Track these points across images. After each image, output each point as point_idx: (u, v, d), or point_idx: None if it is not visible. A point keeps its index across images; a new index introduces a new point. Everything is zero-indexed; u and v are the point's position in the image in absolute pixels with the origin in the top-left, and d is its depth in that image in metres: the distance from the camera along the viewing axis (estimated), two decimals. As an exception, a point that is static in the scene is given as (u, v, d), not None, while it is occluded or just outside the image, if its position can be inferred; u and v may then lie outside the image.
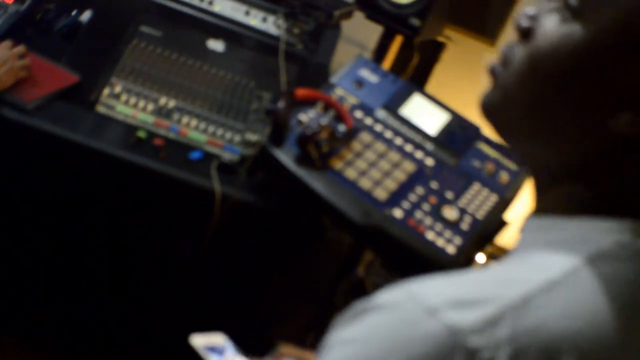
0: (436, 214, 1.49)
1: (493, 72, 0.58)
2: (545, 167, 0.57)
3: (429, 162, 1.59)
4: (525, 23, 0.55)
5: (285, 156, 1.52)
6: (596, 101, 0.51)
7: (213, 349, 1.07)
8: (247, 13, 1.97)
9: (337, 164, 1.53)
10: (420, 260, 1.44)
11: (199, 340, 1.09)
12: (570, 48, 0.51)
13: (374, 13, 1.88)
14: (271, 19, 1.97)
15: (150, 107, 1.74)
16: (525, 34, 0.55)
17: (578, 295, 0.49)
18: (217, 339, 1.10)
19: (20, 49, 1.68)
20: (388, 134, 1.62)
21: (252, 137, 1.75)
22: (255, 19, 1.97)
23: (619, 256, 0.50)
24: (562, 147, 0.54)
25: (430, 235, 1.45)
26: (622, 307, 0.49)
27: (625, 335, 0.49)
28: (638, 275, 0.50)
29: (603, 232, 0.52)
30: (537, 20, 0.55)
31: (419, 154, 1.60)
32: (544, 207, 0.58)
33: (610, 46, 0.49)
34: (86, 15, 1.86)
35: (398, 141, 1.61)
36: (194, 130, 1.73)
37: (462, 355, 0.45)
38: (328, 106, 1.62)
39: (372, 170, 1.54)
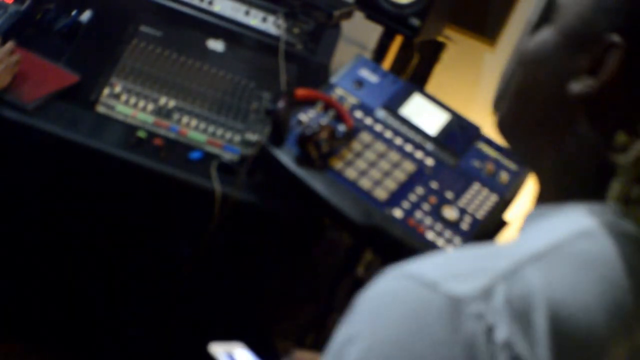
0: (436, 214, 1.49)
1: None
2: (539, 160, 0.64)
3: (429, 162, 1.59)
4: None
5: (285, 156, 1.52)
6: (560, 72, 0.60)
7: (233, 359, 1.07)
8: (247, 13, 1.97)
9: (337, 164, 1.53)
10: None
11: (217, 349, 1.08)
12: (542, 38, 0.63)
13: (374, 13, 1.88)
14: (271, 19, 1.97)
15: (150, 107, 1.74)
16: None
17: (559, 270, 0.52)
18: (237, 348, 1.10)
19: (10, 45, 1.68)
20: (388, 134, 1.62)
21: (252, 137, 1.75)
22: (255, 19, 1.97)
23: (601, 234, 0.55)
24: (546, 134, 0.62)
25: (430, 235, 1.45)
26: (599, 280, 0.53)
27: (601, 306, 0.52)
28: (618, 252, 0.54)
29: (588, 215, 0.56)
30: None
31: (419, 154, 1.60)
32: (541, 199, 0.64)
33: (571, 35, 0.60)
34: (86, 15, 1.86)
35: (398, 141, 1.61)
36: (194, 130, 1.73)
37: (470, 321, 0.48)
38: (328, 106, 1.63)
39: (372, 170, 1.54)
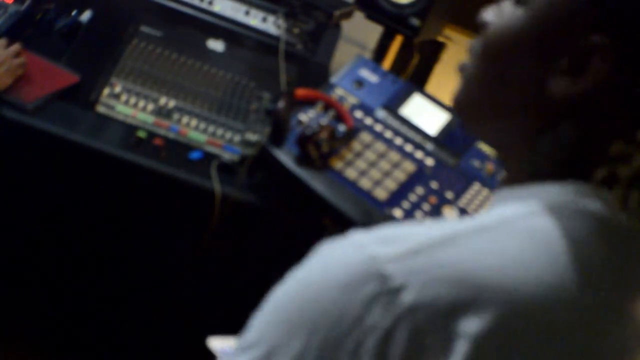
0: (436, 214, 1.49)
1: (462, 69, 0.64)
2: (504, 143, 0.62)
3: (429, 162, 1.59)
4: (483, 18, 0.62)
5: (285, 156, 1.52)
6: (536, 70, 0.56)
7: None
8: (247, 13, 1.97)
9: (337, 164, 1.53)
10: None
11: (216, 343, 1.08)
12: (513, 28, 0.57)
13: (374, 13, 1.88)
14: (271, 19, 1.97)
15: (150, 107, 1.74)
16: (483, 26, 0.62)
17: (505, 241, 0.51)
18: (234, 342, 1.10)
19: (16, 47, 1.68)
20: (388, 134, 1.62)
21: (252, 137, 1.75)
22: (255, 19, 1.97)
23: (555, 213, 0.53)
24: (514, 118, 0.59)
25: (430, 235, 1.45)
26: (545, 257, 0.51)
27: (546, 283, 0.51)
28: (569, 230, 0.52)
29: (545, 194, 0.55)
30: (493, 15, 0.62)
31: (419, 154, 1.60)
32: (507, 179, 0.61)
33: (544, 19, 0.56)
34: (86, 15, 1.86)
35: (398, 141, 1.61)
36: (194, 130, 1.73)
37: (375, 280, 0.49)
38: (328, 106, 1.63)
39: (372, 170, 1.54)
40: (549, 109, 0.56)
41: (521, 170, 0.59)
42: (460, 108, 0.64)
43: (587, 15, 0.53)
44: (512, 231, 0.52)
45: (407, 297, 0.48)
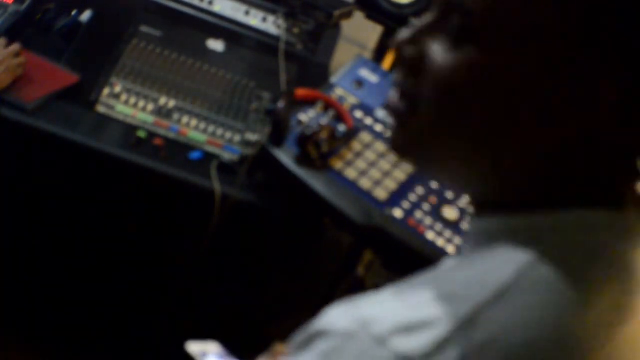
0: (436, 214, 1.49)
1: (397, 112, 0.55)
2: (485, 180, 0.54)
3: (429, 162, 1.59)
4: (409, 53, 0.52)
5: (285, 156, 1.52)
6: (513, 111, 0.49)
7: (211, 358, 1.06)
8: (247, 13, 1.97)
9: (337, 164, 1.53)
10: (420, 260, 1.45)
11: (195, 348, 1.08)
12: (472, 73, 0.49)
13: (374, 13, 1.88)
14: (271, 19, 1.97)
15: (150, 107, 1.74)
16: (414, 68, 0.52)
17: (528, 300, 0.47)
18: (213, 347, 1.09)
19: (15, 47, 1.68)
20: (388, 134, 1.62)
21: (252, 137, 1.75)
22: (255, 19, 1.97)
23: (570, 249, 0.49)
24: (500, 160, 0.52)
25: (430, 235, 1.45)
26: (573, 305, 0.48)
27: (580, 330, 0.48)
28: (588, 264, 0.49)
29: (550, 227, 0.50)
30: (420, 49, 0.52)
31: (419, 154, 1.60)
32: (484, 208, 0.55)
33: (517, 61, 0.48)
34: (86, 15, 1.86)
35: (398, 141, 1.61)
36: (194, 130, 1.73)
37: None
38: (328, 106, 1.63)
39: (372, 170, 1.54)
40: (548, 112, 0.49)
41: (504, 198, 0.53)
42: (413, 158, 0.57)
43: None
44: (531, 286, 0.47)
45: None
